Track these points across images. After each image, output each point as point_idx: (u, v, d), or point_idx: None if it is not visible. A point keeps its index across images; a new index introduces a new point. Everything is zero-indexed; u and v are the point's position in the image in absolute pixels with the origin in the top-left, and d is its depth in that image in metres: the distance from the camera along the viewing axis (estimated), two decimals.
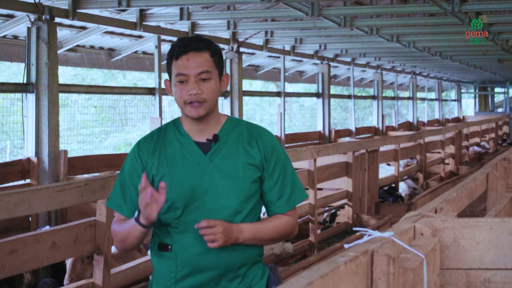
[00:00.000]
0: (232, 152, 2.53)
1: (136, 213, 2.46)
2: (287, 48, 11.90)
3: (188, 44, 2.48)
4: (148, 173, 2.53)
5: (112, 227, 2.58)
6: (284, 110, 11.99)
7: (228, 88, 10.26)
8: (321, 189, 8.28)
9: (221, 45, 10.24)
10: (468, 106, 29.40)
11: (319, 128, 13.45)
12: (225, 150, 2.53)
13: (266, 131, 2.62)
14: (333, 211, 8.29)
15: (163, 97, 8.65)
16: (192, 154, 2.52)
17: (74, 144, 8.94)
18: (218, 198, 2.48)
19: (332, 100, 13.97)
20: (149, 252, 5.66)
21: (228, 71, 10.24)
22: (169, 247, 2.51)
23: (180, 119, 2.60)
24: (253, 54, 11.77)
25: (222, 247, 2.43)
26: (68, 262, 4.68)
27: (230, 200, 2.49)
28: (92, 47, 9.25)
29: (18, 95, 6.88)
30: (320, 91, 13.51)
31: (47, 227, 5.30)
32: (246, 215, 2.52)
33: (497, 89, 29.27)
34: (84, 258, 4.67)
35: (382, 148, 9.58)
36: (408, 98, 20.28)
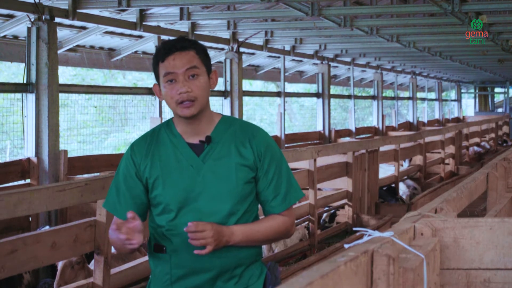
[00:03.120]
0: (225, 153, 2.50)
1: None
2: (287, 48, 11.90)
3: (173, 45, 2.47)
4: (142, 175, 2.52)
5: (109, 232, 2.56)
6: (284, 110, 11.99)
7: (228, 88, 10.27)
8: (320, 189, 8.27)
9: (221, 45, 10.25)
10: (468, 106, 29.39)
11: (319, 128, 13.45)
12: (218, 152, 2.50)
13: (260, 130, 2.59)
14: (333, 211, 8.30)
15: None
16: (185, 156, 2.50)
17: (74, 144, 8.94)
18: (212, 200, 2.46)
19: (332, 100, 13.97)
20: None
21: (228, 71, 10.24)
22: (164, 248, 2.50)
23: (173, 120, 2.58)
24: (253, 54, 11.78)
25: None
26: (58, 268, 4.66)
27: (223, 202, 2.47)
28: (92, 47, 9.25)
29: (18, 95, 6.88)
30: (320, 91, 13.51)
31: (47, 227, 5.29)
32: (241, 216, 2.49)
33: (497, 89, 29.27)
34: (74, 264, 4.64)
35: (382, 148, 9.57)
36: (408, 98, 20.28)
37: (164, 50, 2.47)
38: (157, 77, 2.51)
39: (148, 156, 2.52)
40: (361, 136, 15.57)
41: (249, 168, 2.50)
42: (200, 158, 2.49)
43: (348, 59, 14.83)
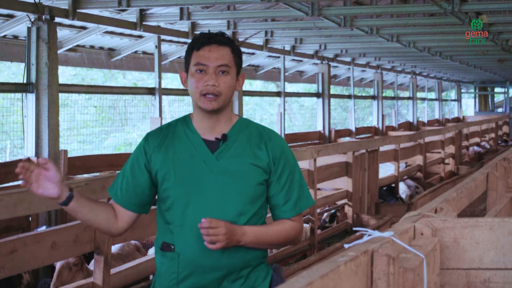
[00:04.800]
0: (240, 152, 2.50)
1: None
2: (287, 48, 11.90)
3: (212, 37, 2.50)
4: (152, 167, 2.53)
5: None
6: (284, 110, 11.99)
7: None
8: (319, 189, 8.28)
9: None
10: (468, 106, 29.40)
11: (319, 128, 13.45)
12: (233, 150, 2.51)
13: (276, 135, 2.60)
14: (333, 211, 8.30)
15: (163, 97, 8.64)
16: (199, 152, 2.50)
17: (74, 144, 8.94)
18: (223, 198, 2.46)
19: (332, 100, 13.97)
20: (150, 251, 5.67)
21: None
22: (172, 247, 2.50)
23: (191, 116, 2.58)
24: (253, 54, 11.78)
25: (224, 248, 2.41)
26: (56, 269, 4.64)
27: (234, 201, 2.46)
28: (92, 47, 9.25)
29: (18, 95, 6.89)
30: (320, 91, 13.51)
31: (44, 228, 5.29)
32: (251, 217, 2.49)
33: (497, 89, 29.27)
34: (72, 265, 4.62)
35: (382, 148, 9.58)
36: (408, 98, 20.28)
37: (202, 40, 2.50)
38: (187, 64, 2.53)
39: (161, 148, 2.53)
40: (361, 136, 15.57)
41: (262, 170, 2.51)
42: (214, 155, 2.49)
43: (348, 59, 14.83)
